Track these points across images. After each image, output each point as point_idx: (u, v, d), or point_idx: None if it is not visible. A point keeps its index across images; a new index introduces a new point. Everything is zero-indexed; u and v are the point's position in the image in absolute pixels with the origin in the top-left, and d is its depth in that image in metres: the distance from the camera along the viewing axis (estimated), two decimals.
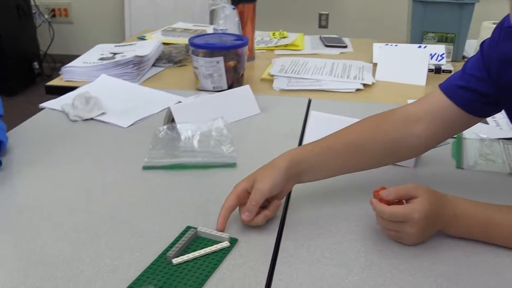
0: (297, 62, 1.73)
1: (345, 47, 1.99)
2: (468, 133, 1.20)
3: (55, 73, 1.76)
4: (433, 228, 0.81)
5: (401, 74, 1.62)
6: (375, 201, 0.81)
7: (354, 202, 0.94)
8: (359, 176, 1.01)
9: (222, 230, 0.83)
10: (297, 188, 0.98)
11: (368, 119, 0.96)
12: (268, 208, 0.86)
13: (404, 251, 0.81)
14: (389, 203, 0.80)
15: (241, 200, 0.86)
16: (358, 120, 0.98)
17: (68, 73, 1.61)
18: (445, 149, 1.14)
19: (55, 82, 1.64)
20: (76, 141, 1.20)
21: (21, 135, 1.23)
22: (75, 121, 1.31)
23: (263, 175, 0.86)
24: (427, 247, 0.81)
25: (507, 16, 0.81)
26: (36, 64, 3.91)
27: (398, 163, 1.05)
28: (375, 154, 0.93)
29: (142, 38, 2.01)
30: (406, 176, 1.03)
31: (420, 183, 0.82)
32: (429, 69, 1.64)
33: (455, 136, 1.17)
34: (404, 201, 0.81)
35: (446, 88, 0.92)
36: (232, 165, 1.07)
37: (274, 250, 0.81)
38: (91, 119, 1.31)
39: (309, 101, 1.43)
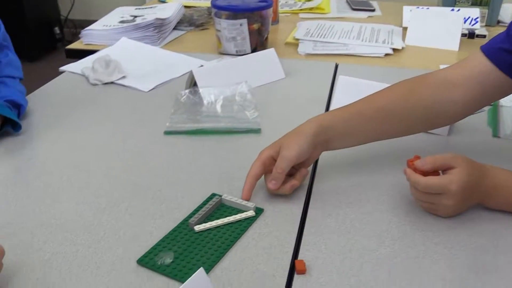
0: (323, 25, 1.66)
1: (373, 10, 1.91)
2: (504, 101, 1.14)
3: (76, 38, 1.71)
4: (471, 200, 0.76)
5: (432, 39, 1.54)
6: (409, 171, 0.77)
7: (385, 171, 0.89)
8: (390, 144, 0.96)
9: (248, 199, 0.80)
10: (325, 156, 0.94)
11: (401, 83, 0.90)
12: (295, 176, 0.82)
13: (439, 223, 0.76)
14: (424, 173, 0.76)
15: (267, 168, 0.82)
16: (389, 85, 0.92)
17: (88, 36, 1.58)
18: (481, 116, 1.07)
19: (75, 45, 1.61)
20: (96, 105, 1.18)
21: (40, 99, 1.21)
22: (95, 84, 1.28)
23: (289, 141, 0.82)
24: (463, 219, 0.77)
25: None
26: (57, 29, 3.88)
27: (431, 131, 1.00)
28: (408, 121, 0.88)
29: (163, 1, 1.95)
30: (439, 145, 0.98)
31: (454, 152, 0.76)
32: (462, 34, 1.56)
33: (492, 103, 1.11)
34: (440, 171, 0.76)
35: (488, 51, 0.85)
36: (256, 131, 1.03)
37: (301, 220, 0.78)
38: (111, 82, 1.28)
39: (336, 66, 1.37)
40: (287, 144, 0.82)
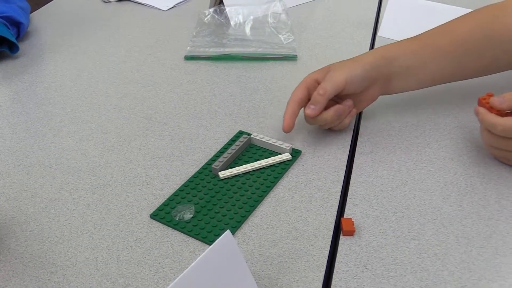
0: None
1: None
2: None
3: None
4: None
5: None
6: (483, 110, 0.62)
7: (447, 110, 0.75)
8: None
9: (290, 129, 0.66)
10: None
11: (482, 9, 0.74)
12: (341, 104, 0.68)
13: None
14: (501, 114, 0.61)
15: (311, 92, 0.67)
16: (457, 7, 0.75)
17: None
18: None
19: None
20: (108, 25, 1.03)
21: (46, 17, 1.07)
22: (108, 1, 1.13)
23: (341, 64, 0.68)
24: None
25: None
26: None
27: None
28: (489, 55, 0.72)
29: None
30: (509, 81, 0.82)
31: None
32: None
33: None
34: None
35: None
36: (292, 58, 0.88)
37: (347, 167, 0.65)
38: None
39: None
40: (338, 66, 0.67)
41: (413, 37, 0.71)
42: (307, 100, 0.67)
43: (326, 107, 0.66)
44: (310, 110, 0.65)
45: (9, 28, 0.89)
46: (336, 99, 0.68)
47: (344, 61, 0.68)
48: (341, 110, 0.67)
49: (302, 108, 0.68)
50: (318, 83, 0.67)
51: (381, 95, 0.71)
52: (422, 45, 0.70)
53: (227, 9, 0.98)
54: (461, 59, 0.71)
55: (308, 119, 0.67)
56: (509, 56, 0.72)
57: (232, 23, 0.97)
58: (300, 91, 0.67)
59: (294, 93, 0.67)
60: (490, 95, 0.63)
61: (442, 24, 0.72)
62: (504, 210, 0.58)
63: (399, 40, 0.71)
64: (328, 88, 0.65)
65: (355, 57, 0.69)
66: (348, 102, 0.68)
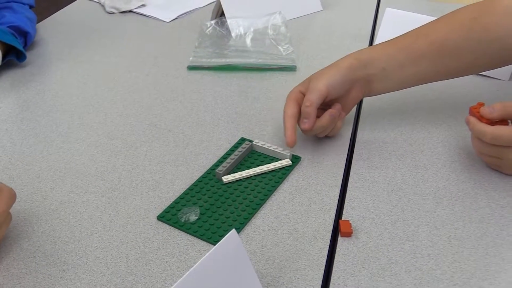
0: None
1: None
2: None
3: None
4: None
5: None
6: (473, 119, 0.65)
7: (439, 119, 0.78)
8: (443, 89, 0.84)
9: (295, 143, 0.68)
10: (370, 99, 0.82)
11: (461, 11, 0.75)
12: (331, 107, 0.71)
13: (505, 181, 0.65)
14: (491, 123, 0.64)
15: (300, 104, 0.70)
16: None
17: None
18: None
19: None
20: (113, 35, 1.06)
21: (52, 27, 1.10)
22: (112, 13, 1.16)
23: (320, 73, 0.71)
24: None
25: None
26: None
27: (490, 75, 0.88)
28: (469, 57, 0.73)
29: None
30: (499, 91, 0.85)
31: None
32: None
33: None
34: (509, 121, 0.65)
35: None
36: (291, 68, 0.91)
37: (344, 172, 0.68)
38: (130, 11, 1.17)
39: None
40: (318, 75, 0.70)
41: (391, 40, 0.74)
42: (298, 111, 0.70)
43: (318, 115, 0.69)
44: (304, 124, 0.68)
45: (16, 38, 0.92)
46: (324, 106, 0.71)
47: (322, 69, 0.71)
48: (334, 113, 0.70)
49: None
50: (303, 94, 0.70)
51: (365, 96, 0.74)
52: (397, 47, 0.72)
53: (228, 21, 1.01)
54: (440, 61, 0.72)
55: (306, 132, 0.70)
56: (488, 56, 0.73)
57: (233, 34, 1.00)
58: (292, 107, 0.70)
59: (287, 109, 0.70)
60: (481, 105, 0.66)
61: (420, 27, 0.74)
62: (494, 213, 0.61)
63: (377, 44, 0.74)
64: (313, 98, 0.68)
65: (332, 63, 0.72)
66: (337, 106, 0.71)
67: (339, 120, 0.72)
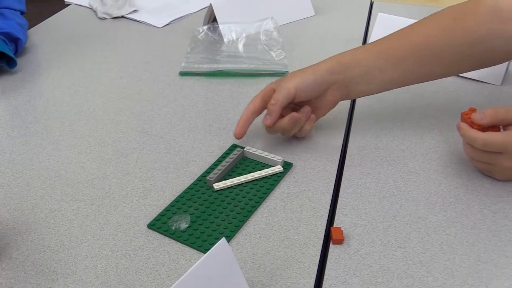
0: None
1: None
2: None
3: None
4: None
5: None
6: (465, 126, 0.65)
7: (431, 125, 0.78)
8: (434, 94, 0.85)
9: (241, 136, 0.71)
10: (360, 105, 0.83)
11: (442, 13, 0.74)
12: (298, 111, 0.71)
13: (497, 187, 0.65)
14: (482, 128, 0.64)
15: (268, 101, 0.71)
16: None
17: None
18: None
19: None
20: (105, 41, 1.06)
21: (43, 34, 1.09)
22: (104, 19, 1.16)
23: (295, 73, 0.71)
24: None
25: None
26: None
27: (482, 79, 0.88)
28: (450, 60, 0.72)
29: None
30: (491, 95, 0.85)
31: (508, 104, 0.64)
32: None
33: None
34: (501, 127, 0.65)
35: None
36: (283, 74, 0.91)
37: (336, 178, 0.67)
38: (122, 17, 1.17)
39: (371, 4, 1.23)
40: (292, 75, 0.71)
41: (373, 42, 0.73)
42: (262, 108, 0.71)
43: (285, 115, 0.69)
44: (266, 120, 0.69)
45: (7, 44, 0.91)
46: (295, 106, 0.71)
47: (301, 69, 0.72)
48: (296, 117, 0.69)
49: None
50: (275, 91, 0.70)
51: (343, 99, 0.73)
52: (379, 51, 0.71)
53: (221, 26, 1.01)
54: (421, 64, 0.71)
55: (266, 128, 0.71)
56: (467, 59, 0.72)
57: (225, 40, 1.00)
58: (255, 101, 0.71)
59: (250, 102, 0.71)
60: (473, 110, 0.66)
61: (403, 29, 0.74)
62: (486, 219, 0.60)
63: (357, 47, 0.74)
64: (279, 97, 0.68)
65: (314, 64, 0.71)
66: (306, 109, 0.71)
67: (309, 123, 0.72)
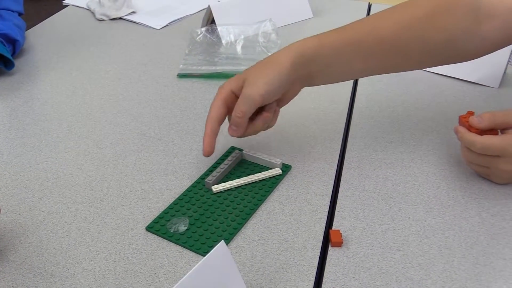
0: None
1: None
2: None
3: None
4: None
5: None
6: (462, 129, 0.65)
7: (430, 127, 0.78)
8: (431, 96, 0.85)
9: (210, 153, 0.64)
10: (358, 107, 0.83)
11: (419, 5, 0.68)
12: (264, 109, 0.65)
13: (495, 189, 0.65)
14: (480, 132, 0.64)
15: (230, 105, 0.65)
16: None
17: None
18: None
19: None
20: (103, 43, 1.06)
21: (41, 35, 1.09)
22: (102, 20, 1.16)
23: (257, 75, 0.64)
24: None
25: None
26: None
27: (480, 82, 0.88)
28: (417, 56, 0.69)
29: None
30: (489, 98, 0.86)
31: (506, 107, 0.64)
32: None
33: None
34: (499, 130, 0.65)
35: None
36: None
37: (335, 181, 0.67)
38: (120, 18, 1.16)
39: (369, 6, 1.23)
40: (252, 79, 0.63)
41: (339, 30, 0.68)
42: (226, 114, 0.66)
43: (251, 117, 0.65)
44: (233, 131, 0.65)
45: (5, 45, 0.91)
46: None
47: (259, 67, 0.66)
48: (268, 117, 0.66)
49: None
50: (235, 95, 0.65)
51: (303, 87, 0.69)
52: (345, 42, 0.66)
53: (219, 28, 1.01)
54: (388, 58, 0.68)
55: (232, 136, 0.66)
56: (435, 56, 0.70)
57: (223, 42, 1.00)
58: (217, 108, 0.65)
59: (211, 110, 0.65)
60: (471, 113, 0.66)
61: (371, 17, 0.70)
62: (484, 222, 0.60)
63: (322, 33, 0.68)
64: (245, 109, 0.63)
65: (273, 56, 0.65)
66: (272, 106, 0.66)
67: (275, 117, 0.68)
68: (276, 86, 0.63)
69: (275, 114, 0.68)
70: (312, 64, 0.65)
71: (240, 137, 0.66)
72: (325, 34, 0.68)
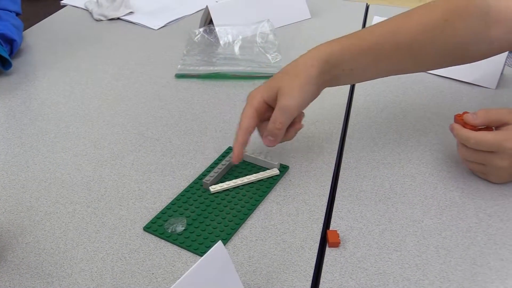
0: None
1: None
2: None
3: None
4: None
5: None
6: (457, 126, 0.65)
7: (427, 128, 0.78)
8: (430, 97, 0.85)
9: (240, 160, 0.66)
10: (357, 108, 0.83)
11: (435, 8, 0.70)
12: (295, 120, 0.67)
13: (492, 189, 0.66)
14: (475, 129, 0.65)
15: (262, 116, 0.66)
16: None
17: None
18: None
19: None
20: (100, 43, 1.06)
21: (38, 35, 1.09)
22: (100, 20, 1.16)
23: (290, 85, 0.65)
24: None
25: None
26: None
27: (477, 83, 0.89)
28: (431, 59, 0.72)
29: None
30: (487, 99, 0.86)
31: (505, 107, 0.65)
32: None
33: None
34: (493, 128, 0.65)
35: None
36: None
37: (332, 181, 0.67)
38: (117, 18, 1.16)
39: (367, 6, 1.23)
40: (288, 90, 0.64)
41: (359, 34, 0.70)
42: (257, 124, 0.66)
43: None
44: (269, 142, 0.66)
45: (2, 45, 0.91)
46: None
47: (289, 75, 0.66)
48: (301, 127, 0.68)
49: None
50: (267, 104, 0.66)
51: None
52: (365, 48, 0.68)
53: (217, 29, 1.01)
54: (403, 61, 0.71)
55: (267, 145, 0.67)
56: (446, 58, 0.72)
57: (221, 42, 1.00)
58: (250, 119, 0.65)
59: (244, 120, 0.65)
60: (466, 114, 0.67)
61: (390, 21, 0.71)
62: (481, 223, 0.61)
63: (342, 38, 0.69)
64: (284, 121, 0.64)
65: (298, 64, 0.66)
66: (302, 114, 0.68)
67: (301, 121, 0.69)
68: (310, 95, 0.65)
69: (302, 117, 0.69)
70: (336, 69, 0.67)
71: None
72: (346, 38, 0.69)
